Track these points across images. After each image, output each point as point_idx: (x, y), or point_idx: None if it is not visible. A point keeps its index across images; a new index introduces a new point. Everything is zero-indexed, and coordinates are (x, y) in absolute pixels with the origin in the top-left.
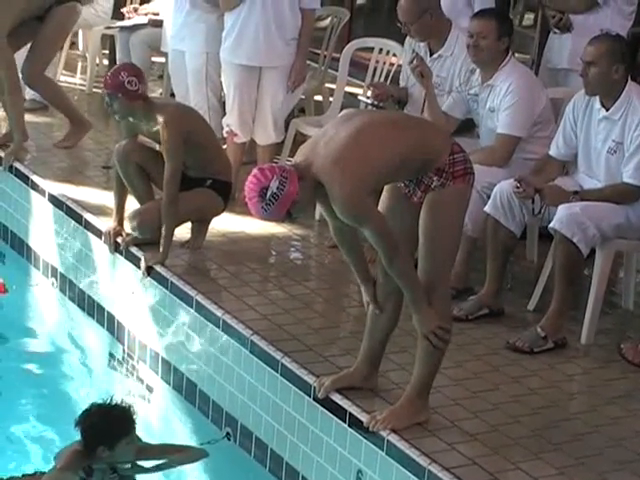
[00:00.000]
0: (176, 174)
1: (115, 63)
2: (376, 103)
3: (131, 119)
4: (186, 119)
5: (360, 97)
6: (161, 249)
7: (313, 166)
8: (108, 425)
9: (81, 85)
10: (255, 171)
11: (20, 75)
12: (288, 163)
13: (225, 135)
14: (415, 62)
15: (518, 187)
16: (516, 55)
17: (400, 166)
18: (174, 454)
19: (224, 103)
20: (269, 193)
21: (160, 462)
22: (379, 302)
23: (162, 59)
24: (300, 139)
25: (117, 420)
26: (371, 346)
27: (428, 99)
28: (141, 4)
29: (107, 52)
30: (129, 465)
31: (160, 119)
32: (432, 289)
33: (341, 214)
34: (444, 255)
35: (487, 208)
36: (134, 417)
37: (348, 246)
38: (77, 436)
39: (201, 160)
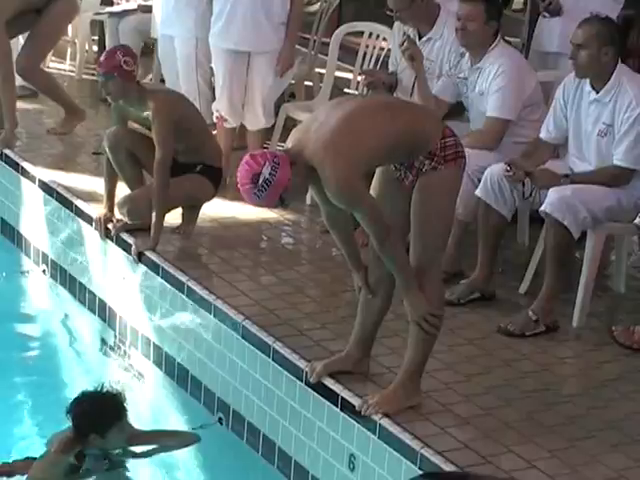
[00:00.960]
0: (167, 160)
1: (104, 49)
2: (364, 94)
3: (123, 102)
4: (176, 105)
5: (346, 91)
6: (152, 235)
7: (305, 151)
8: (99, 413)
9: (70, 71)
10: (247, 157)
11: (15, 66)
12: (280, 149)
13: (215, 120)
14: (406, 44)
15: (508, 170)
16: (506, 39)
17: (392, 150)
18: (166, 439)
19: (214, 89)
20: (261, 179)
21: (152, 447)
22: (371, 286)
23: None
24: (290, 124)
25: (108, 408)
26: (363, 330)
27: (419, 82)
28: None
29: (96, 38)
30: (121, 451)
31: (151, 105)
32: (424, 273)
33: (333, 198)
34: (436, 239)
35: (478, 192)
36: (125, 404)
37: (340, 231)
38: (69, 423)
39: (191, 146)
